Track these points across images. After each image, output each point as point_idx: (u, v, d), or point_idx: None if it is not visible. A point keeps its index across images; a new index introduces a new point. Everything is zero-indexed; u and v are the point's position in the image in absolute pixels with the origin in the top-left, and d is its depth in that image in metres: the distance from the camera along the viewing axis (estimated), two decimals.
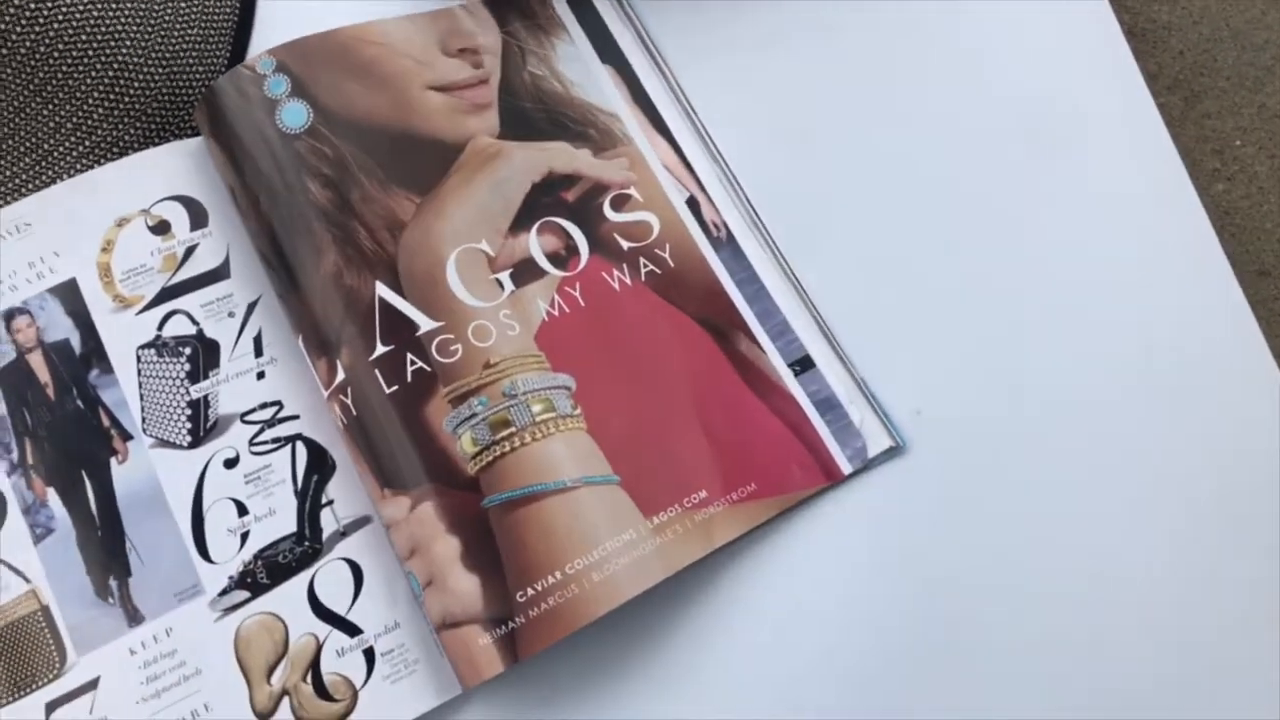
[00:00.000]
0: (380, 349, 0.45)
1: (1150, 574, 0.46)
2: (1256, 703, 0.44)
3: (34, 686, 0.42)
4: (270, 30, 0.55)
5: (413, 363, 0.45)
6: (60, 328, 0.47)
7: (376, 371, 0.45)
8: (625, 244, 0.49)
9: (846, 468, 0.47)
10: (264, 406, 0.47)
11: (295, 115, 0.49)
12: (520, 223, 0.49)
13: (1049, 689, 0.44)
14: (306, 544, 0.45)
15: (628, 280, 0.49)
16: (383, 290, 0.46)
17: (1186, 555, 0.46)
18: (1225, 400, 0.48)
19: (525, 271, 0.48)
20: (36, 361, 0.46)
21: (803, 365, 0.48)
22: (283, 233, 0.47)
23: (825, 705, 0.44)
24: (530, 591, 0.42)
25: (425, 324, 0.46)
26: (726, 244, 0.51)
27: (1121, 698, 0.44)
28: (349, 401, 0.45)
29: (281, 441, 0.46)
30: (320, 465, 0.46)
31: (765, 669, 0.45)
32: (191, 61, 0.53)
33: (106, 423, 0.46)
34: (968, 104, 0.53)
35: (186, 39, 0.52)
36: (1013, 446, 0.47)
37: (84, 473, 0.45)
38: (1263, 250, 1.10)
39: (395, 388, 0.45)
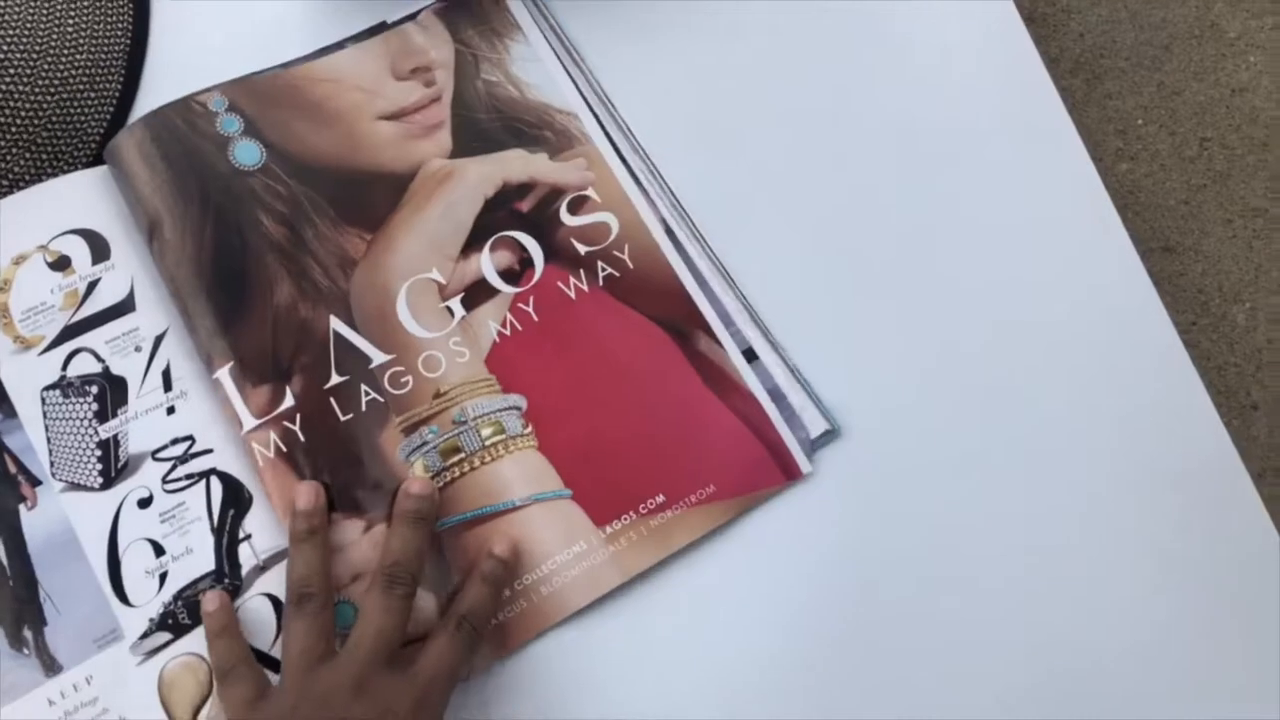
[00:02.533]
0: (335, 379, 0.46)
1: (1068, 548, 0.48)
2: (1211, 674, 0.46)
3: None
4: (164, 58, 0.54)
5: (367, 393, 0.46)
6: None
7: (332, 400, 0.46)
8: (582, 249, 0.50)
9: (806, 466, 0.48)
10: (175, 442, 0.46)
11: (249, 153, 0.49)
12: (474, 242, 0.49)
13: (978, 672, 0.46)
14: (226, 581, 0.45)
15: (584, 287, 0.49)
16: (336, 324, 0.47)
17: (1105, 522, 0.48)
18: (1133, 374, 0.50)
19: (477, 294, 0.49)
20: None
21: (749, 356, 0.49)
22: (227, 264, 0.47)
23: (763, 703, 0.46)
24: None
25: (377, 357, 0.47)
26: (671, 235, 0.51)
27: (1051, 682, 0.46)
28: (295, 428, 0.45)
29: (195, 477, 0.46)
30: (237, 500, 0.46)
31: (705, 664, 0.46)
32: (82, 88, 0.52)
33: (13, 469, 0.45)
34: (875, 100, 0.54)
35: (76, 65, 0.51)
36: (933, 434, 0.49)
37: None
38: (1166, 227, 1.15)
39: (350, 416, 0.46)
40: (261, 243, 0.48)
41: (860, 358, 0.50)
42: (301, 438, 0.45)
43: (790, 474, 0.48)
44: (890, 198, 0.53)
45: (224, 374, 0.46)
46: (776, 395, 0.49)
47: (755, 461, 0.47)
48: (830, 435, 0.49)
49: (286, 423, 0.45)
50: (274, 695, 0.40)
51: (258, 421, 0.46)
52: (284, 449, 0.45)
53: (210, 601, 0.43)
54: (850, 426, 0.49)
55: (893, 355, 0.50)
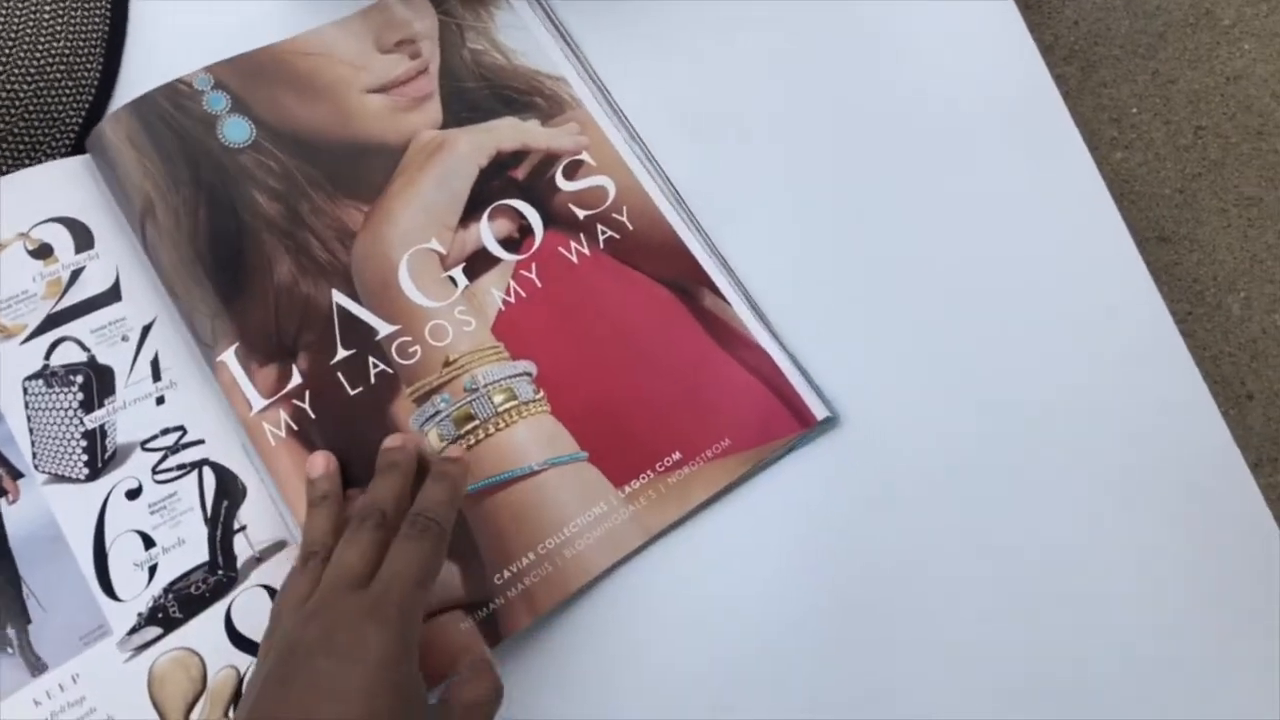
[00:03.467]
0: (342, 353, 0.46)
1: (1063, 539, 0.47)
2: (1202, 669, 0.45)
3: None
4: (142, 45, 0.53)
5: (375, 365, 0.46)
6: None
7: (339, 374, 0.45)
8: (581, 213, 0.49)
9: (821, 412, 0.47)
10: (166, 432, 0.45)
11: (238, 130, 0.49)
12: (471, 212, 0.49)
13: (973, 660, 0.45)
14: (220, 573, 0.43)
15: (586, 250, 0.49)
16: (339, 298, 0.47)
17: (1103, 519, 0.47)
18: (1130, 362, 0.49)
19: (478, 263, 0.48)
20: None
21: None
22: (224, 245, 0.47)
23: (772, 668, 0.45)
24: (507, 573, 0.43)
25: (383, 328, 0.46)
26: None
27: (1044, 672, 0.45)
28: (305, 405, 0.45)
29: (187, 468, 0.44)
30: (230, 490, 0.44)
31: (713, 634, 0.45)
32: (59, 76, 0.50)
33: None
34: (869, 89, 0.53)
35: (53, 52, 0.50)
36: (928, 423, 0.48)
37: None
38: (1161, 216, 1.14)
39: (360, 389, 0.45)
40: (257, 220, 0.47)
41: (857, 346, 0.49)
42: (312, 414, 0.44)
43: (805, 421, 0.47)
44: (884, 186, 0.52)
45: (229, 356, 0.45)
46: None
47: (768, 412, 0.47)
48: (830, 423, 0.48)
49: (296, 401, 0.45)
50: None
51: (266, 401, 0.45)
52: (295, 427, 0.44)
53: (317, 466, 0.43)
54: (846, 418, 0.48)
55: (889, 344, 0.49)
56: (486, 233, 0.49)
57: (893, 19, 0.55)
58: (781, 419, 0.47)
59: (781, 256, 0.50)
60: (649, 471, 0.45)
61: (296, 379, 0.45)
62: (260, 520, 0.44)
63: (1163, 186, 1.15)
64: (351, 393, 0.45)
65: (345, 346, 0.46)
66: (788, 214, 0.51)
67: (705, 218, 0.51)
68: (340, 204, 0.48)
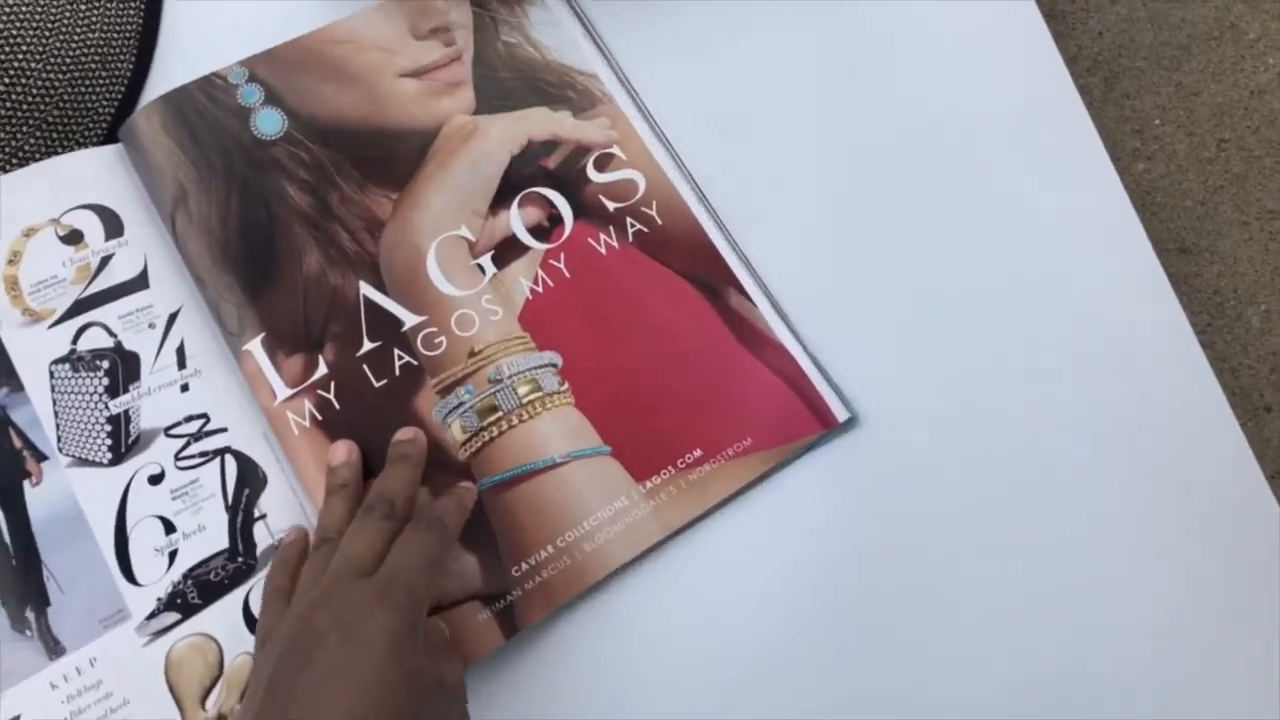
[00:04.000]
0: (367, 345, 0.46)
1: (1080, 546, 0.46)
2: (1222, 678, 0.45)
3: None
4: (176, 37, 0.54)
5: (400, 357, 0.46)
6: None
7: (365, 366, 0.45)
8: (611, 205, 0.50)
9: (842, 414, 0.47)
10: (189, 419, 0.45)
11: (270, 122, 0.49)
12: (501, 199, 0.49)
13: (988, 662, 0.45)
14: (240, 560, 0.43)
15: (614, 243, 0.49)
16: (366, 289, 0.47)
17: (1122, 528, 0.47)
18: (1150, 373, 0.49)
19: (507, 251, 0.48)
20: None
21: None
22: (254, 236, 0.47)
23: (785, 666, 0.45)
24: (525, 565, 0.43)
25: (409, 319, 0.46)
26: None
27: (1060, 676, 0.45)
28: (330, 396, 0.45)
29: (210, 455, 0.44)
30: (251, 478, 0.44)
31: (728, 634, 0.45)
32: (93, 67, 0.50)
33: (18, 444, 0.43)
34: (893, 95, 0.53)
35: (89, 43, 0.50)
36: (947, 427, 0.48)
37: None
38: (1183, 228, 1.14)
39: (384, 381, 0.45)
40: (287, 212, 0.47)
41: (878, 348, 0.49)
42: (337, 405, 0.45)
43: (826, 423, 0.47)
44: (909, 194, 0.52)
45: (255, 345, 0.45)
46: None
47: (790, 412, 0.47)
48: (850, 423, 0.48)
49: (321, 391, 0.45)
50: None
51: (291, 391, 0.45)
52: (319, 417, 0.44)
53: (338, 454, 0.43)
54: (866, 418, 0.48)
55: (910, 350, 0.49)
56: (516, 220, 0.49)
57: (921, 26, 0.55)
58: (803, 419, 0.47)
59: (803, 257, 0.50)
60: (670, 468, 0.45)
61: (322, 369, 0.45)
62: (280, 509, 0.44)
63: (1184, 198, 1.15)
64: (376, 385, 0.45)
65: (371, 339, 0.46)
66: (811, 215, 0.51)
67: (729, 217, 0.51)
68: (370, 193, 0.48)
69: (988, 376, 0.49)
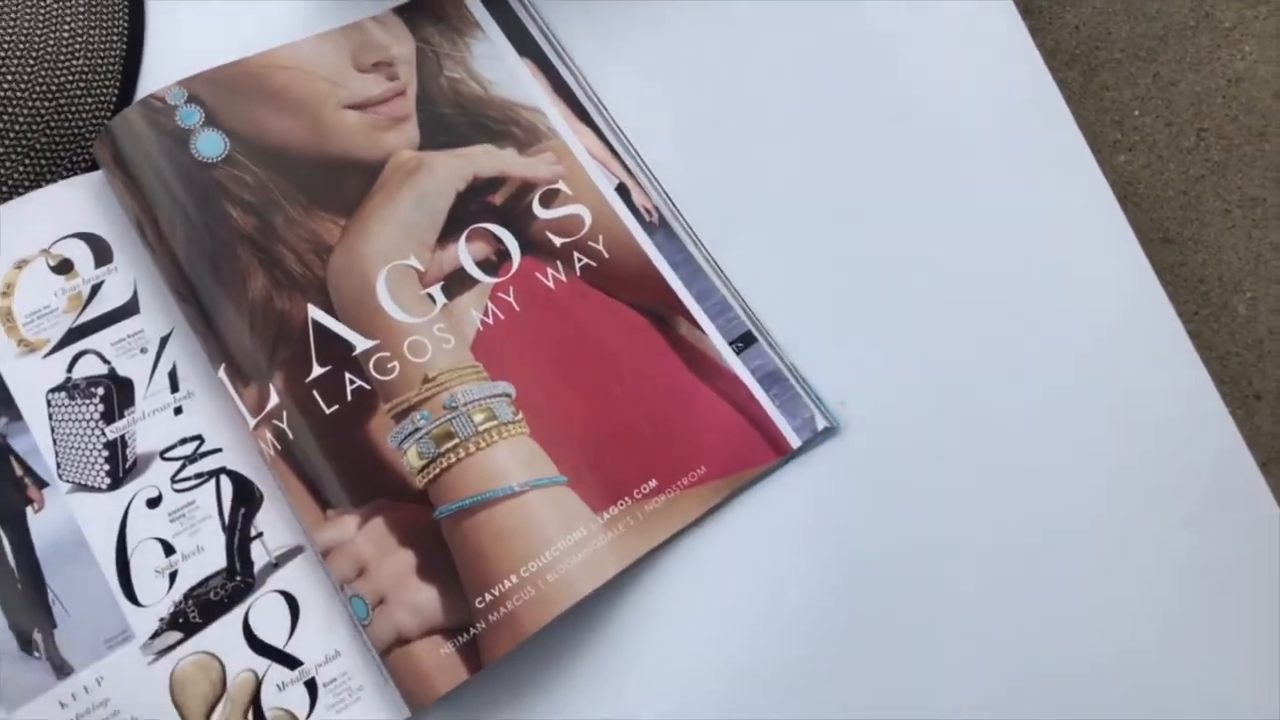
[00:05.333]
0: (317, 370, 0.46)
1: (1073, 542, 0.48)
2: (1207, 673, 0.47)
3: None
4: (159, 63, 0.55)
5: (351, 382, 0.46)
6: None
7: (315, 393, 0.46)
8: (557, 240, 0.51)
9: (795, 441, 0.49)
10: (184, 442, 0.47)
11: (211, 144, 0.49)
12: (448, 233, 0.50)
13: (980, 667, 0.47)
14: (238, 579, 0.45)
15: (562, 277, 0.50)
16: (315, 312, 0.47)
17: (1112, 521, 0.48)
18: (1136, 366, 0.51)
19: (456, 283, 0.49)
20: None
21: (745, 341, 0.50)
22: (201, 262, 0.47)
23: (765, 686, 0.46)
24: (489, 596, 0.44)
25: (360, 343, 0.47)
26: (660, 228, 0.52)
27: (1052, 677, 0.47)
28: (284, 426, 0.45)
29: (205, 476, 0.46)
30: (247, 498, 0.46)
31: (708, 652, 0.46)
32: (79, 93, 0.52)
33: (19, 471, 0.45)
34: (872, 94, 0.55)
35: (72, 70, 0.52)
36: (935, 426, 0.50)
37: None
38: (1165, 218, 1.16)
39: (335, 407, 0.45)
40: (231, 235, 0.47)
41: (859, 353, 0.51)
42: (290, 434, 0.45)
43: (780, 450, 0.48)
44: (888, 191, 0.53)
45: (222, 373, 0.46)
46: (776, 377, 0.50)
47: (743, 440, 0.48)
48: (829, 432, 0.49)
49: (275, 421, 0.45)
50: None
51: (255, 420, 0.46)
52: (279, 447, 0.45)
53: None
54: (850, 423, 0.49)
55: (892, 350, 0.51)
56: (464, 254, 0.49)
57: (895, 24, 0.56)
58: (757, 447, 0.48)
59: (784, 262, 0.52)
60: (626, 499, 0.46)
61: (274, 399, 0.45)
62: (276, 527, 0.46)
63: (1166, 189, 1.17)
64: (328, 411, 0.45)
65: (321, 363, 0.46)
66: (788, 219, 0.53)
67: (706, 225, 0.52)
68: (316, 216, 0.49)
69: (974, 375, 0.50)
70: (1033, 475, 0.49)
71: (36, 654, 0.43)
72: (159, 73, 0.55)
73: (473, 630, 0.43)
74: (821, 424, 0.49)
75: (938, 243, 0.52)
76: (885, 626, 0.47)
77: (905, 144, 0.54)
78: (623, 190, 0.52)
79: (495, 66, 0.54)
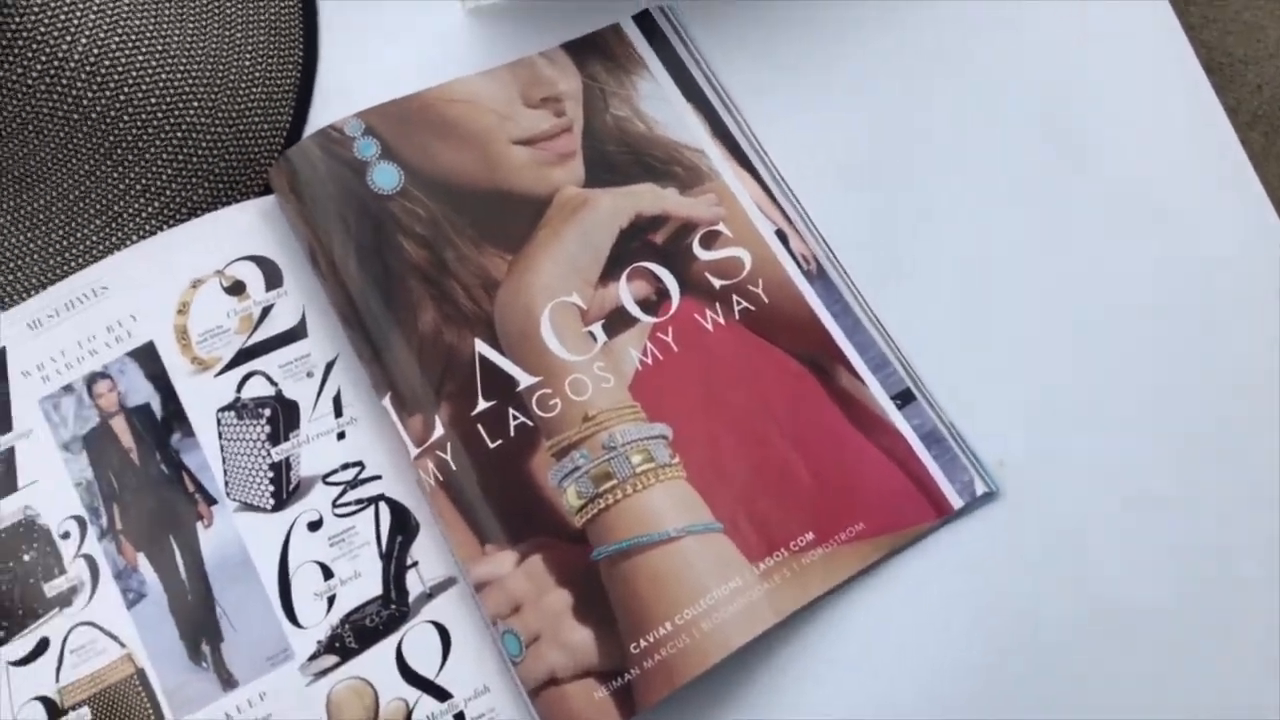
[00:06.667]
0: (482, 404, 0.48)
1: (1241, 620, 0.47)
2: None
3: None
4: (329, 91, 0.58)
5: (515, 417, 0.47)
6: (141, 392, 0.49)
7: (479, 427, 0.47)
8: (717, 282, 0.52)
9: (956, 502, 0.48)
10: (345, 467, 0.49)
11: (387, 177, 0.51)
12: (610, 271, 0.51)
13: None
14: (393, 607, 0.47)
15: (721, 320, 0.51)
16: (482, 347, 0.49)
17: None
18: None
19: (616, 321, 0.50)
20: (120, 426, 0.49)
21: (904, 398, 0.50)
22: (373, 293, 0.49)
23: None
24: (644, 642, 0.44)
25: (524, 379, 0.48)
26: (818, 277, 0.53)
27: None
28: (447, 457, 0.47)
29: (364, 503, 0.48)
30: (404, 526, 0.48)
31: (860, 712, 0.47)
32: (257, 121, 0.55)
33: (191, 487, 0.48)
34: (1041, 146, 0.55)
35: (251, 99, 0.55)
36: (1094, 492, 0.49)
37: (171, 538, 0.47)
38: None
39: (499, 442, 0.47)
40: (403, 267, 0.50)
41: (1016, 413, 0.50)
42: (453, 466, 0.47)
43: (941, 510, 0.48)
44: (1052, 246, 0.53)
45: (387, 402, 0.48)
46: (935, 437, 0.50)
47: (905, 498, 0.48)
48: (989, 497, 0.49)
49: (439, 452, 0.47)
50: None
51: (417, 450, 0.47)
52: (441, 478, 0.47)
53: None
54: (1007, 484, 0.49)
55: (1059, 414, 0.50)
56: (625, 292, 0.51)
57: (1070, 74, 0.56)
58: (918, 505, 0.48)
59: (941, 317, 0.52)
60: (783, 550, 0.47)
61: (439, 430, 0.47)
62: (431, 557, 0.48)
63: None
64: (491, 445, 0.47)
65: (486, 398, 0.48)
66: (948, 273, 0.53)
67: (863, 276, 0.53)
68: (484, 252, 0.50)
69: (1147, 446, 0.49)
70: (1210, 558, 0.48)
71: (204, 665, 0.45)
72: (328, 100, 0.57)
73: (627, 676, 0.44)
74: (981, 489, 0.49)
75: (1103, 302, 0.52)
76: (1036, 698, 0.46)
77: (1074, 198, 0.53)
78: (782, 236, 0.53)
79: (660, 106, 0.55)
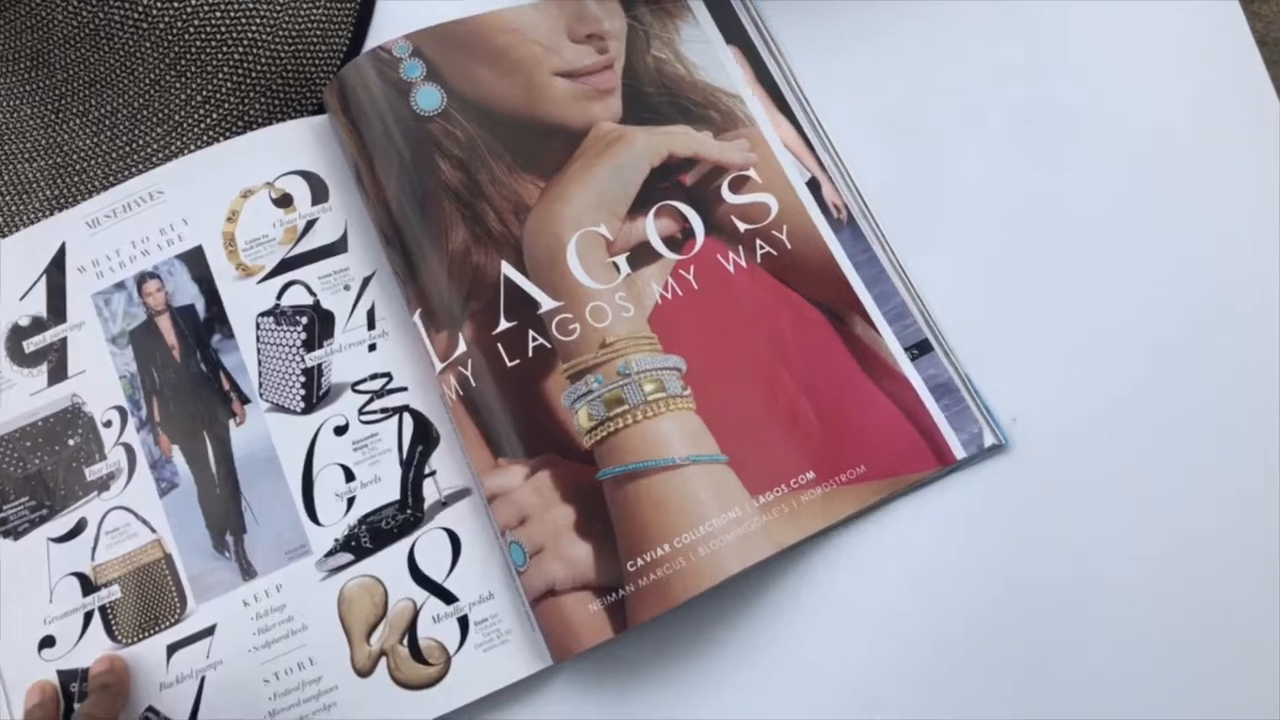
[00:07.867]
0: (504, 324, 0.49)
1: (1250, 576, 0.47)
2: None
3: (158, 628, 0.48)
4: (388, 13, 0.59)
5: (534, 339, 0.49)
6: (187, 293, 0.52)
7: (499, 346, 0.49)
8: (742, 226, 0.53)
9: (960, 452, 0.49)
10: (374, 377, 0.51)
11: (430, 98, 0.53)
12: (638, 207, 0.52)
13: (1125, 694, 0.46)
14: (409, 512, 0.49)
15: (743, 262, 0.52)
16: (508, 269, 0.50)
17: None
18: None
19: (641, 255, 0.52)
20: (165, 324, 0.52)
21: (920, 349, 0.51)
22: (410, 210, 0.51)
23: (900, 690, 0.47)
24: (640, 561, 0.46)
25: (546, 303, 0.50)
26: (847, 226, 0.53)
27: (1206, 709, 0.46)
28: (468, 373, 0.49)
29: (389, 412, 0.50)
30: (425, 437, 0.50)
31: (846, 649, 0.48)
32: (315, 40, 0.57)
33: (227, 386, 0.51)
34: (1085, 108, 0.54)
35: (312, 18, 0.57)
36: (1117, 454, 0.49)
37: (205, 433, 0.50)
38: None
39: (517, 361, 0.49)
40: (439, 187, 0.51)
41: (1040, 373, 0.50)
42: (473, 382, 0.49)
43: (943, 459, 0.49)
44: (1089, 215, 0.53)
45: (418, 317, 0.50)
46: (948, 388, 0.50)
47: (907, 445, 0.49)
48: (997, 449, 0.49)
49: (460, 368, 0.49)
50: None
51: (441, 365, 0.50)
52: (461, 393, 0.49)
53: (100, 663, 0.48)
54: (1019, 440, 0.50)
55: (1077, 375, 0.50)
56: (651, 228, 0.52)
57: (1106, 34, 0.55)
58: (920, 453, 0.49)
59: (971, 271, 0.52)
60: (783, 485, 0.48)
61: (462, 346, 0.49)
62: (448, 467, 0.50)
63: None
64: (509, 364, 0.49)
65: (508, 318, 0.49)
66: (981, 228, 0.53)
67: (895, 228, 0.53)
68: (518, 177, 0.52)
69: (1165, 414, 0.49)
70: (1222, 529, 0.48)
71: (227, 554, 0.48)
72: (388, 26, 0.59)
73: (621, 592, 0.46)
74: (989, 440, 0.49)
75: (1140, 270, 0.51)
76: (1016, 656, 0.47)
77: (1115, 166, 0.53)
78: (814, 185, 0.54)
79: (701, 50, 0.56)
